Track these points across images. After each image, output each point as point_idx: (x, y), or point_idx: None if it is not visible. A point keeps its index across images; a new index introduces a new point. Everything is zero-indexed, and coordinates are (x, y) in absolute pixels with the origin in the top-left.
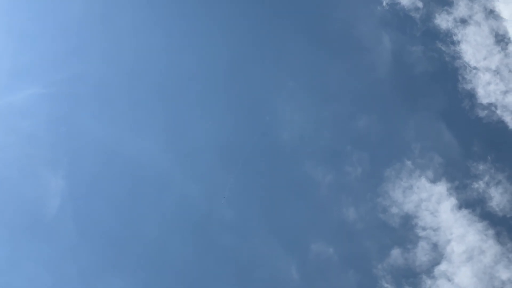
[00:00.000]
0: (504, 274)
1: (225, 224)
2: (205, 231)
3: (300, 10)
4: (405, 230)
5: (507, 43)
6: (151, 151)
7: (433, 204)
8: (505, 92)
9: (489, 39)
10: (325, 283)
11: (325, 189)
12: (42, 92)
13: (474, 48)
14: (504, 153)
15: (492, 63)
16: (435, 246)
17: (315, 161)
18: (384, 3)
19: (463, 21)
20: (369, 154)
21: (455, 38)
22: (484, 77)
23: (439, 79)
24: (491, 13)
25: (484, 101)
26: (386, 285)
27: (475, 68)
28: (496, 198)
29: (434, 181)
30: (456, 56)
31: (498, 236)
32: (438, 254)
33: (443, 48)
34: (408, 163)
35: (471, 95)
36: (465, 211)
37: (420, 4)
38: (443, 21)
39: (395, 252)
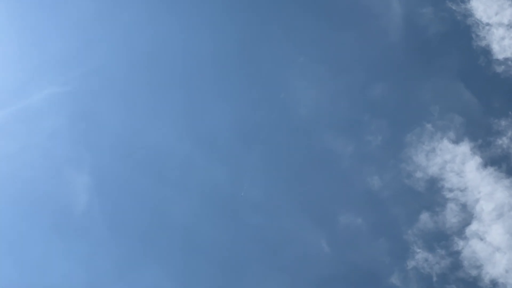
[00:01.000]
0: None
1: (252, 204)
2: (232, 213)
3: None
4: (432, 194)
5: None
6: (171, 138)
7: (458, 165)
8: None
9: None
10: (357, 253)
11: (347, 160)
12: (59, 90)
13: (484, 4)
14: None
15: (505, 18)
16: (464, 207)
17: (334, 134)
18: None
19: None
20: (388, 121)
21: None
22: (498, 32)
23: (452, 39)
24: None
25: (500, 56)
26: (418, 250)
27: (487, 24)
28: None
29: (456, 141)
30: (468, 14)
31: None
32: (467, 215)
33: (454, 7)
34: (429, 126)
35: (486, 51)
36: (491, 169)
37: None
38: None
39: (424, 217)
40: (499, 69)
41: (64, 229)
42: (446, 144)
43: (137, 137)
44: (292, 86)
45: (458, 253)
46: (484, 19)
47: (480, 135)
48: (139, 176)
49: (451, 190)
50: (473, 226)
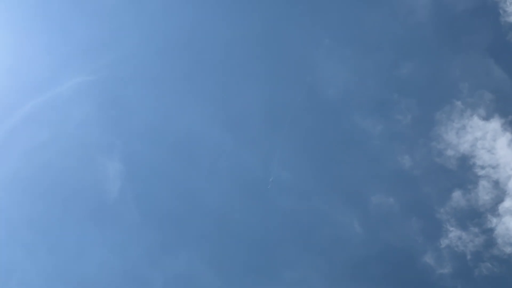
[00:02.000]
0: None
1: (283, 187)
2: (263, 196)
3: None
4: (464, 171)
5: None
6: (200, 123)
7: (489, 142)
8: None
9: None
10: (389, 233)
11: (377, 140)
12: (87, 79)
13: None
14: None
15: None
16: (496, 184)
17: (363, 113)
18: None
19: None
20: (417, 99)
21: None
22: None
23: (480, 15)
24: None
25: None
26: (451, 228)
27: None
28: None
29: (487, 118)
30: None
31: None
32: (500, 191)
33: None
34: (458, 103)
35: None
36: None
37: None
38: None
39: (456, 195)
40: None
41: (98, 217)
42: (476, 121)
43: (167, 123)
44: (321, 67)
45: (491, 230)
46: None
47: (510, 111)
48: (170, 161)
49: (482, 167)
50: (506, 203)
